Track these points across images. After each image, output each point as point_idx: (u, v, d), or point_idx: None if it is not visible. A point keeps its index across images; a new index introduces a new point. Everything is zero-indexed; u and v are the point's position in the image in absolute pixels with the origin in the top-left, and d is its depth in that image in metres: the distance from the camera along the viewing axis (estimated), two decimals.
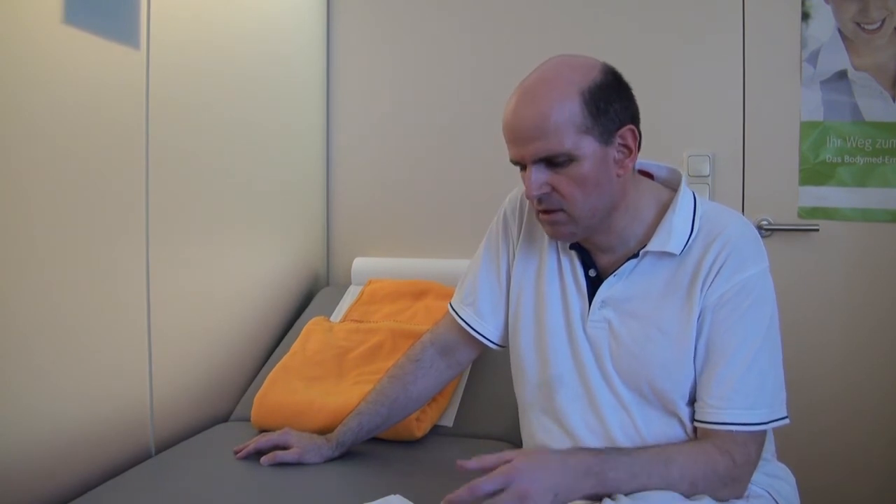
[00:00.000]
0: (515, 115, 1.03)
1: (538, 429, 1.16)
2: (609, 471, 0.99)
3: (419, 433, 1.48)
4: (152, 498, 1.23)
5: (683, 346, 1.04)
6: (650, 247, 1.06)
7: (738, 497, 1.02)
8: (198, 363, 1.66)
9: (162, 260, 1.50)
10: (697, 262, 1.05)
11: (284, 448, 1.33)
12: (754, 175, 1.91)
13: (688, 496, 0.98)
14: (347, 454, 1.35)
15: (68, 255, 1.28)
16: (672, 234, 1.05)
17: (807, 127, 1.86)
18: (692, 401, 1.05)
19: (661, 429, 1.06)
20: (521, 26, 2.04)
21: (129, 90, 1.42)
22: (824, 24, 1.83)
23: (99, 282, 1.35)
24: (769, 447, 1.15)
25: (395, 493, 1.16)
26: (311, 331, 1.78)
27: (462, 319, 1.27)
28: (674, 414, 1.06)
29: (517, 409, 1.24)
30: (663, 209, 1.10)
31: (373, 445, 1.39)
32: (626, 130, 1.04)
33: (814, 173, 1.86)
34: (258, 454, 1.34)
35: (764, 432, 1.04)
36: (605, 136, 1.02)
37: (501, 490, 0.95)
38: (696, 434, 1.05)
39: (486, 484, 0.96)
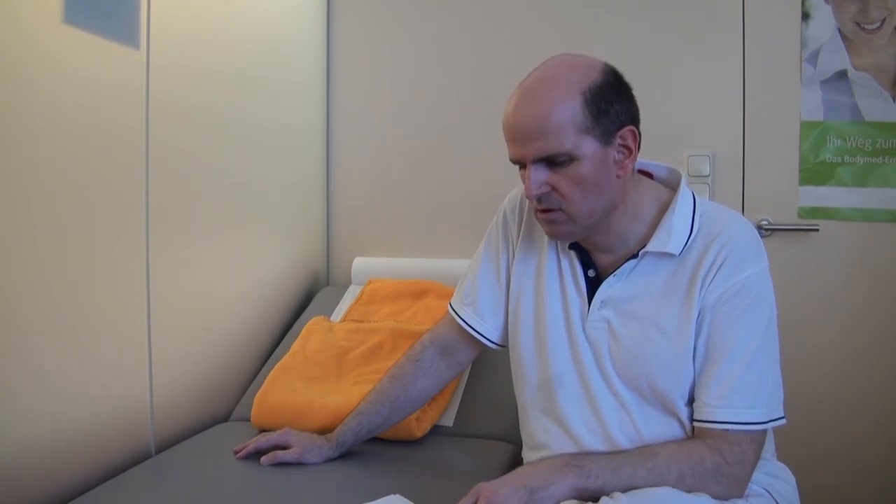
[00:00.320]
0: (516, 115, 1.03)
1: (538, 429, 1.16)
2: (590, 463, 1.01)
3: (419, 433, 1.48)
4: (152, 498, 1.23)
5: (683, 345, 1.04)
6: (650, 247, 1.07)
7: (738, 496, 1.02)
8: (198, 363, 1.66)
9: (162, 260, 1.50)
10: (697, 261, 1.05)
11: (284, 448, 1.33)
12: (754, 175, 1.91)
13: (680, 489, 0.98)
14: (347, 454, 1.35)
15: (68, 255, 1.28)
16: (672, 234, 1.06)
17: (807, 127, 1.86)
18: (692, 401, 1.05)
19: (660, 429, 1.06)
20: (520, 26, 2.04)
21: (129, 90, 1.42)
22: (824, 24, 1.83)
23: (99, 282, 1.35)
24: (769, 447, 1.15)
25: (395, 493, 1.16)
26: (311, 331, 1.78)
27: (462, 319, 1.27)
28: (673, 414, 1.06)
29: (517, 409, 1.24)
30: (663, 209, 1.10)
31: (373, 445, 1.39)
32: (626, 131, 1.04)
33: (814, 173, 1.86)
34: (258, 454, 1.34)
35: (763, 433, 1.04)
36: (606, 137, 1.02)
37: None
38: (694, 434, 1.05)
39: None
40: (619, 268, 1.09)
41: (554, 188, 1.03)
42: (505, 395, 1.41)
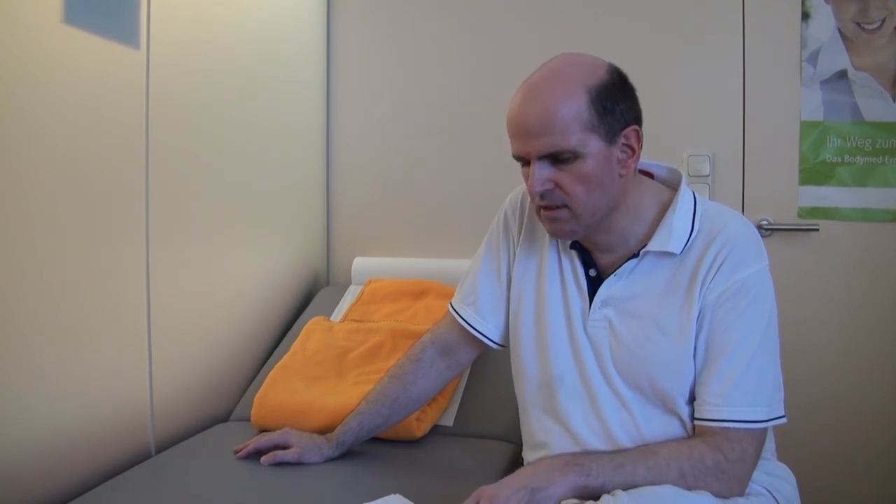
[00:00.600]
0: (522, 111, 1.03)
1: (538, 428, 1.16)
2: (591, 462, 1.01)
3: (419, 433, 1.47)
4: (152, 498, 1.23)
5: (684, 344, 1.04)
6: (650, 246, 1.07)
7: (739, 494, 1.02)
8: (198, 363, 1.66)
9: (162, 260, 1.50)
10: (697, 260, 1.05)
11: (284, 448, 1.33)
12: (754, 175, 1.91)
13: (681, 486, 0.98)
14: (347, 454, 1.35)
15: (68, 255, 1.28)
16: (672, 233, 1.06)
17: (807, 127, 1.86)
18: (692, 399, 1.06)
19: (661, 428, 1.06)
20: (521, 26, 2.04)
21: (129, 90, 1.41)
22: (824, 24, 1.83)
23: (99, 282, 1.35)
24: (769, 446, 1.15)
25: (395, 493, 1.16)
26: (312, 330, 1.78)
27: (462, 319, 1.27)
28: (674, 413, 1.06)
29: (517, 408, 1.24)
30: (663, 209, 1.10)
31: (373, 445, 1.39)
32: (630, 131, 1.04)
33: (814, 173, 1.86)
34: (258, 454, 1.34)
35: (763, 431, 1.04)
36: (610, 136, 1.02)
37: None
38: (695, 433, 1.05)
39: None
40: (619, 267, 1.09)
41: (557, 185, 1.03)
42: (505, 395, 1.41)
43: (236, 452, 1.37)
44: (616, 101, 1.02)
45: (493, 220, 1.29)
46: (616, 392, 1.08)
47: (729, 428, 1.01)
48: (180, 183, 1.57)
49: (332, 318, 1.91)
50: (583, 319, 1.12)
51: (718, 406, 1.01)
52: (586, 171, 1.02)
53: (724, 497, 1.00)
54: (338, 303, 2.00)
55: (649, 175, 1.16)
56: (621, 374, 1.08)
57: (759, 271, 1.05)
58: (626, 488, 0.98)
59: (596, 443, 1.08)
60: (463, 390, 1.65)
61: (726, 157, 1.92)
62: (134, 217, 1.44)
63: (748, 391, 1.01)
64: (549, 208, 1.06)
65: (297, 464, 1.31)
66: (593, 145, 1.01)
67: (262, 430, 1.47)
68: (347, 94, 2.21)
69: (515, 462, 1.36)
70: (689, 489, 0.98)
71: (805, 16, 1.85)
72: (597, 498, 0.97)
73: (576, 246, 1.14)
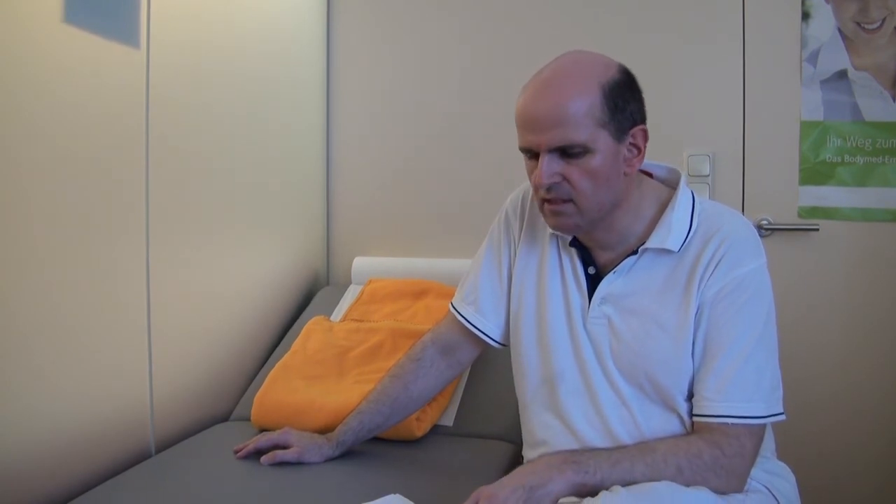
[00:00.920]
0: (534, 103, 1.03)
1: (538, 426, 1.16)
2: (588, 459, 1.01)
3: (419, 433, 1.48)
4: (152, 498, 1.23)
5: (682, 341, 1.05)
6: (649, 244, 1.07)
7: (738, 491, 1.02)
8: (198, 363, 1.66)
9: (162, 260, 1.50)
10: (695, 258, 1.06)
11: (284, 447, 1.33)
12: (754, 175, 1.91)
13: (678, 482, 0.98)
14: (347, 454, 1.35)
15: (68, 255, 1.28)
16: (671, 231, 1.07)
17: (807, 126, 1.86)
18: (691, 396, 1.06)
19: (660, 424, 1.07)
20: (521, 26, 2.04)
21: (129, 90, 1.42)
22: (824, 23, 1.83)
23: (99, 282, 1.35)
24: (769, 445, 1.15)
25: (395, 493, 1.16)
26: (312, 330, 1.78)
27: (463, 317, 1.27)
28: (673, 409, 1.07)
29: (517, 408, 1.24)
30: (662, 207, 1.11)
31: (373, 445, 1.39)
32: (637, 130, 1.06)
33: (814, 173, 1.86)
34: (258, 454, 1.34)
35: (762, 427, 1.04)
36: (619, 134, 1.03)
37: None
38: (693, 429, 1.05)
39: None
40: (618, 264, 1.10)
41: (565, 178, 1.03)
42: (505, 395, 1.41)
43: (236, 452, 1.37)
44: (627, 101, 1.04)
45: (493, 220, 1.30)
46: (616, 389, 1.09)
47: (727, 423, 1.01)
48: (180, 183, 1.57)
49: (332, 317, 1.91)
50: (582, 316, 1.12)
51: (716, 402, 1.02)
52: (594, 166, 1.02)
53: (723, 493, 1.00)
54: (338, 302, 2.00)
55: (648, 175, 1.17)
56: (621, 371, 1.09)
57: (757, 268, 1.05)
58: (624, 485, 0.98)
59: (596, 439, 1.09)
60: (463, 390, 1.65)
61: (726, 156, 1.92)
62: (134, 217, 1.44)
63: (746, 387, 1.02)
64: (554, 202, 1.06)
65: (297, 463, 1.31)
66: (603, 141, 1.02)
67: (262, 430, 1.47)
68: (347, 94, 2.21)
69: (515, 462, 1.36)
70: (687, 485, 0.98)
71: (805, 15, 1.85)
72: (595, 495, 0.97)
73: (575, 244, 1.14)
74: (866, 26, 1.80)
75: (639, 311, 1.08)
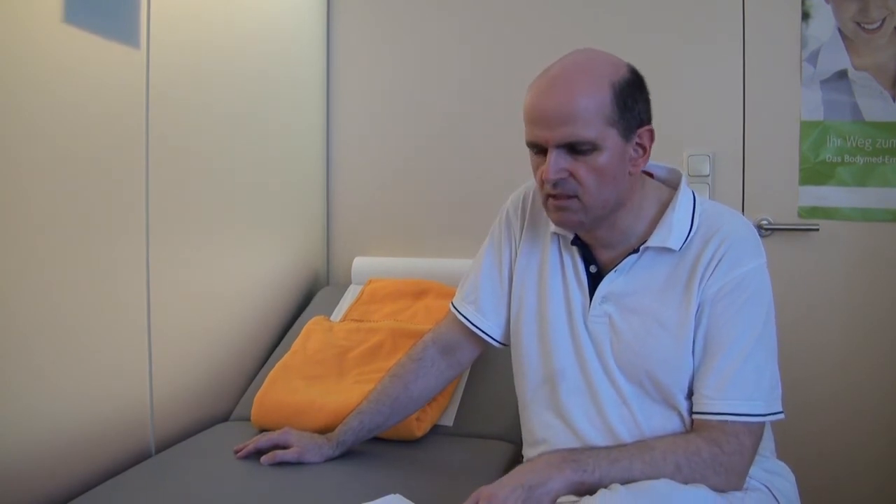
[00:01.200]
0: (545, 98, 1.03)
1: (539, 424, 1.16)
2: (587, 458, 1.01)
3: (419, 433, 1.48)
4: (152, 498, 1.23)
5: (682, 340, 1.05)
6: (650, 242, 1.08)
7: (737, 489, 1.02)
8: (198, 363, 1.66)
9: (162, 260, 1.50)
10: (696, 257, 1.06)
11: (284, 447, 1.33)
12: (754, 175, 1.91)
13: (677, 480, 0.98)
14: (347, 454, 1.35)
15: (68, 255, 1.28)
16: (672, 230, 1.07)
17: (807, 126, 1.86)
18: (691, 394, 1.06)
19: (660, 423, 1.07)
20: (521, 26, 2.04)
21: (129, 90, 1.42)
22: (824, 23, 1.83)
23: (99, 282, 1.35)
24: (768, 445, 1.15)
25: (395, 493, 1.16)
26: (312, 330, 1.78)
27: (464, 317, 1.27)
28: (674, 408, 1.07)
29: (517, 408, 1.24)
30: (663, 207, 1.11)
31: (373, 445, 1.39)
32: (644, 130, 1.06)
33: (814, 173, 1.86)
34: (258, 454, 1.34)
35: (761, 425, 1.04)
36: (627, 133, 1.04)
37: None
38: (693, 427, 1.05)
39: None
40: (620, 263, 1.10)
41: (572, 175, 1.04)
42: (505, 395, 1.41)
43: (236, 452, 1.37)
44: (636, 100, 1.05)
45: (493, 220, 1.30)
46: (616, 387, 1.09)
47: (726, 421, 1.01)
48: (180, 183, 1.57)
49: (332, 317, 1.91)
50: (583, 315, 1.12)
51: (715, 400, 1.02)
52: (602, 163, 1.02)
53: (722, 491, 1.00)
54: (338, 302, 2.00)
55: (649, 175, 1.17)
56: (622, 370, 1.09)
57: (756, 268, 1.06)
58: (623, 483, 0.98)
59: (597, 438, 1.09)
60: (463, 390, 1.65)
61: (726, 157, 1.92)
62: (134, 217, 1.44)
63: (745, 386, 1.02)
64: (559, 197, 1.06)
65: (297, 463, 1.31)
66: (611, 139, 1.02)
67: (262, 430, 1.47)
68: (347, 94, 2.21)
69: (515, 462, 1.36)
70: (686, 482, 0.98)
71: (805, 15, 1.85)
72: (593, 493, 0.97)
73: (577, 242, 1.14)
74: (866, 26, 1.80)
75: (639, 309, 1.08)
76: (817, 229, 1.86)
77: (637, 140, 1.06)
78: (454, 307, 1.30)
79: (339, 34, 2.21)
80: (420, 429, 1.48)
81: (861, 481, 1.83)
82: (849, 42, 1.82)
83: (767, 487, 1.08)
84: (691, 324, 1.05)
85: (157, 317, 1.49)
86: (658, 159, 1.18)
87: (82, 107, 1.30)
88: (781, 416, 1.05)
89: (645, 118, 1.07)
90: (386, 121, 2.18)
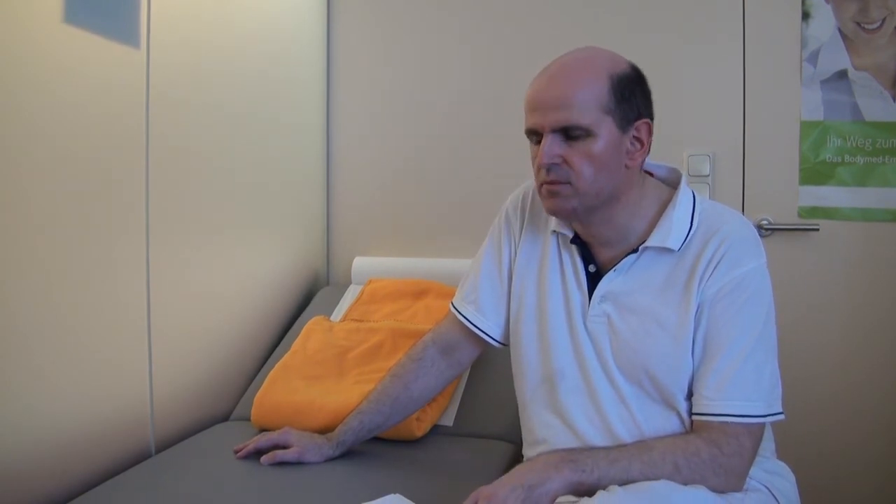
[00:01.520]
0: (543, 86, 1.06)
1: (538, 424, 1.16)
2: (586, 458, 1.01)
3: (419, 433, 1.48)
4: (152, 498, 1.23)
5: (682, 340, 1.05)
6: (650, 242, 1.08)
7: (736, 490, 1.02)
8: (198, 363, 1.66)
9: (162, 260, 1.50)
10: (696, 257, 1.06)
11: (284, 447, 1.33)
12: (754, 175, 1.91)
13: (676, 481, 0.98)
14: (348, 453, 1.35)
15: (68, 255, 1.28)
16: (672, 230, 1.07)
17: (807, 126, 1.86)
18: (691, 395, 1.06)
19: (659, 423, 1.07)
20: (520, 26, 2.04)
21: (129, 90, 1.42)
22: (824, 23, 1.83)
23: (99, 282, 1.35)
24: (768, 445, 1.15)
25: (395, 493, 1.16)
26: (312, 330, 1.78)
27: (464, 317, 1.27)
28: (673, 408, 1.07)
29: (517, 407, 1.24)
30: (663, 207, 1.11)
31: (373, 445, 1.39)
32: (642, 123, 1.07)
33: (814, 173, 1.86)
34: (258, 454, 1.34)
35: (761, 426, 1.04)
36: (624, 124, 1.05)
37: None
38: (692, 428, 1.05)
39: None
40: (619, 262, 1.10)
41: (565, 161, 1.04)
42: (505, 395, 1.41)
43: (236, 452, 1.37)
44: (634, 93, 1.06)
45: (493, 220, 1.30)
46: (615, 387, 1.09)
47: (726, 422, 1.01)
48: (180, 183, 1.57)
49: (332, 317, 1.91)
50: (583, 314, 1.12)
51: (715, 401, 1.02)
52: (596, 151, 1.03)
53: (721, 492, 1.00)
54: (338, 302, 2.00)
55: (650, 175, 1.17)
56: (621, 369, 1.09)
57: (756, 268, 1.05)
58: (621, 483, 0.98)
59: (596, 437, 1.09)
60: (463, 390, 1.65)
61: (726, 157, 1.92)
62: (134, 217, 1.44)
63: (745, 387, 1.02)
64: (553, 183, 1.06)
65: (297, 463, 1.31)
66: (606, 128, 1.03)
67: (262, 430, 1.47)
68: (347, 94, 2.21)
69: (515, 461, 1.36)
70: (685, 483, 0.98)
71: (805, 15, 1.85)
72: (592, 494, 0.97)
73: (576, 241, 1.14)
74: (866, 26, 1.80)
75: (638, 309, 1.08)
76: (817, 229, 1.86)
77: (634, 133, 1.07)
78: (454, 307, 1.30)
79: (339, 34, 2.21)
80: (420, 429, 1.48)
81: (861, 481, 1.83)
82: (849, 42, 1.82)
83: (767, 488, 1.08)
84: (690, 324, 1.05)
85: (157, 317, 1.49)
86: (658, 159, 1.18)
87: (82, 107, 1.30)
88: (782, 416, 1.05)
89: (644, 112, 1.08)
90: (386, 121, 2.18)
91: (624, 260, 1.10)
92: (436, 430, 1.55)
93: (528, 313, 1.19)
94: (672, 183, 1.16)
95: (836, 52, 1.83)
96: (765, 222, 1.89)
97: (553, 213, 1.11)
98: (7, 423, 1.17)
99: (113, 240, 1.39)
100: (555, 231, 1.17)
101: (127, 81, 1.41)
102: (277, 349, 1.87)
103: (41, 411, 1.24)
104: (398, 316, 1.85)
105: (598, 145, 1.03)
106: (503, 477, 1.03)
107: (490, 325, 1.26)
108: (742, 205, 1.91)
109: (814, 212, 1.87)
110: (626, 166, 1.07)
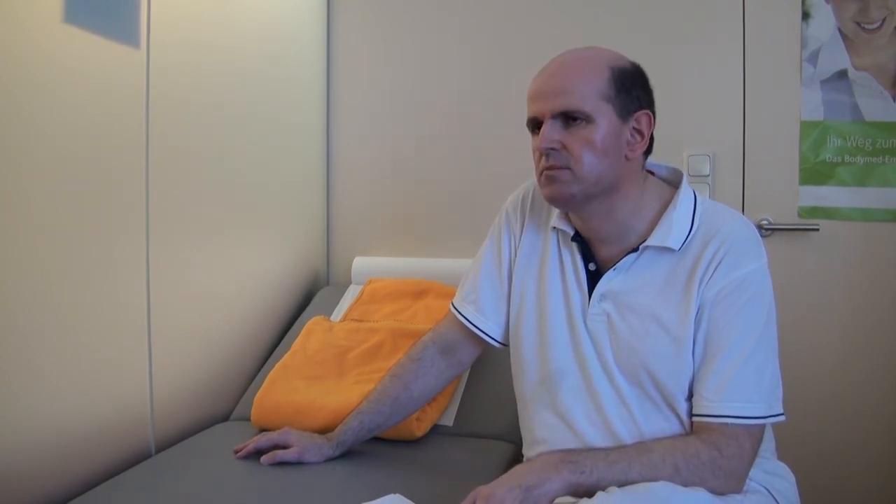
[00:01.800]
0: (545, 77, 1.08)
1: (538, 424, 1.16)
2: (585, 459, 1.01)
3: (419, 433, 1.48)
4: (152, 498, 1.23)
5: (682, 340, 1.05)
6: (650, 241, 1.08)
7: (736, 492, 1.02)
8: (198, 363, 1.66)
9: (162, 260, 1.50)
10: (696, 257, 1.06)
11: (284, 447, 1.33)
12: (754, 175, 1.90)
13: (675, 482, 0.98)
14: (347, 454, 1.35)
15: (68, 255, 1.28)
16: (672, 229, 1.07)
17: (807, 126, 1.86)
18: (691, 396, 1.06)
19: (660, 424, 1.07)
20: (520, 26, 2.04)
21: (129, 90, 1.42)
22: (824, 23, 1.83)
23: (99, 282, 1.35)
24: (768, 446, 1.15)
25: (395, 493, 1.16)
26: (312, 330, 1.78)
27: (464, 317, 1.27)
28: (673, 409, 1.07)
29: (517, 407, 1.24)
30: (664, 206, 1.11)
31: (373, 445, 1.39)
32: (642, 114, 1.08)
33: (814, 173, 1.86)
34: (258, 454, 1.34)
35: (761, 427, 1.04)
36: (624, 113, 1.06)
37: None
38: (693, 429, 1.05)
39: None
40: (619, 261, 1.10)
41: (565, 147, 1.05)
42: (505, 395, 1.41)
43: (236, 452, 1.37)
44: (635, 85, 1.08)
45: (493, 220, 1.30)
46: (616, 387, 1.09)
47: (726, 424, 1.01)
48: (180, 183, 1.57)
49: (332, 317, 1.91)
50: (583, 313, 1.12)
51: (715, 402, 1.02)
52: (595, 137, 1.04)
53: (721, 494, 1.00)
54: (338, 302, 2.00)
55: (651, 174, 1.17)
56: (621, 369, 1.09)
57: (757, 269, 1.05)
58: (620, 485, 0.98)
59: (596, 437, 1.09)
60: (463, 390, 1.65)
61: (726, 156, 1.92)
62: (134, 217, 1.44)
63: (746, 388, 1.02)
64: (552, 168, 1.07)
65: (297, 463, 1.31)
66: (606, 115, 1.05)
67: (262, 430, 1.47)
68: (347, 93, 2.21)
69: (515, 462, 1.36)
70: (685, 485, 0.98)
71: (805, 15, 1.85)
72: (591, 495, 0.97)
73: (576, 239, 1.14)
74: (866, 26, 1.80)
75: (638, 308, 1.08)
76: (817, 229, 1.86)
77: (634, 124, 1.07)
78: (454, 307, 1.30)
79: (339, 34, 2.21)
80: (420, 429, 1.48)
81: (861, 481, 1.83)
82: (849, 42, 1.82)
83: (767, 489, 1.08)
84: (690, 324, 1.05)
85: (157, 317, 1.49)
86: (658, 159, 1.18)
87: (82, 107, 1.30)
88: (782, 417, 1.04)
89: (644, 104, 1.09)
90: (386, 120, 2.18)
91: (624, 259, 1.10)
92: (436, 430, 1.55)
93: (528, 313, 1.19)
94: (673, 183, 1.16)
95: (836, 52, 1.83)
96: (765, 222, 1.89)
97: (552, 200, 1.10)
98: (7, 423, 1.17)
99: (113, 240, 1.39)
100: (555, 228, 1.17)
101: (127, 81, 1.41)
102: (277, 349, 1.87)
103: (41, 411, 1.24)
104: (398, 316, 1.85)
105: (598, 132, 1.04)
106: (502, 477, 1.03)
107: (490, 326, 1.26)
108: (742, 205, 1.91)
109: (814, 212, 1.87)
110: (626, 157, 1.07)
